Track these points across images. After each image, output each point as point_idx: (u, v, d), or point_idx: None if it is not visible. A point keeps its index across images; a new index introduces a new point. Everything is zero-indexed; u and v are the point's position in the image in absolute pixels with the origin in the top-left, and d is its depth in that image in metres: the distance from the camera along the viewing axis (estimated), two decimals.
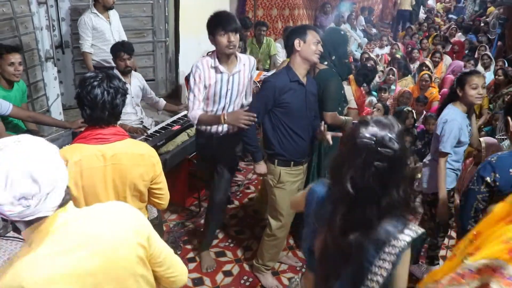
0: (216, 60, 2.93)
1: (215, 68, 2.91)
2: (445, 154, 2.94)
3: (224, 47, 2.83)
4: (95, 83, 1.85)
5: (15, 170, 1.09)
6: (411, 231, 1.42)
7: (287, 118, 2.81)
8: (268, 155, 2.95)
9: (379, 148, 1.35)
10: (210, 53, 3.04)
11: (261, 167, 2.95)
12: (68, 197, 1.24)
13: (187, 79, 5.07)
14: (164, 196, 2.20)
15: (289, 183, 2.95)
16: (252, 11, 7.36)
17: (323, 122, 2.91)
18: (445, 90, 5.88)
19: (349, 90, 4.24)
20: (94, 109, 1.87)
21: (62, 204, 1.21)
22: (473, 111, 3.04)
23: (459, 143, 2.96)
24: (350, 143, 1.42)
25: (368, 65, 5.58)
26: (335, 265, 1.49)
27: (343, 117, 3.24)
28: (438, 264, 3.45)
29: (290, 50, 2.82)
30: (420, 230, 1.44)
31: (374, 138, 1.36)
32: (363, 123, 1.41)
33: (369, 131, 1.37)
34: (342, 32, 3.50)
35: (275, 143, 2.87)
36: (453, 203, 3.20)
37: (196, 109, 2.88)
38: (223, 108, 2.98)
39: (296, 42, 2.74)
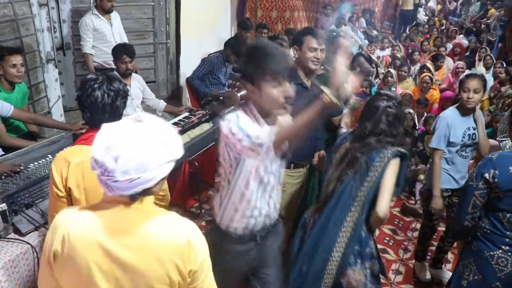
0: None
1: None
2: (436, 150, 3.04)
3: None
4: (96, 85, 1.85)
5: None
6: (399, 148, 2.24)
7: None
8: None
9: (388, 108, 2.30)
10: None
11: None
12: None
13: (188, 81, 5.09)
14: (166, 197, 2.20)
15: (289, 185, 2.92)
16: (253, 12, 7.36)
17: (321, 152, 2.95)
18: (447, 92, 5.88)
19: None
20: (94, 111, 1.87)
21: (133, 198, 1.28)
22: (478, 115, 3.04)
23: (449, 143, 3.01)
24: (371, 105, 2.34)
25: (365, 53, 5.53)
26: (343, 171, 2.31)
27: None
28: (441, 268, 3.44)
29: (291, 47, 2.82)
30: (405, 150, 2.27)
31: (386, 103, 2.31)
32: (380, 95, 2.40)
33: (383, 99, 2.33)
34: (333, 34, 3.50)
35: None
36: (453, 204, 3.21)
37: None
38: None
39: (293, 49, 2.73)
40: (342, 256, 2.22)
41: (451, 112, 3.04)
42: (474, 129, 3.03)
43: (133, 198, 1.28)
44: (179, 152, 1.30)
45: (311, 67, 2.71)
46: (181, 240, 1.29)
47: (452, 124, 2.98)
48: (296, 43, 2.71)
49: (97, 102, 1.85)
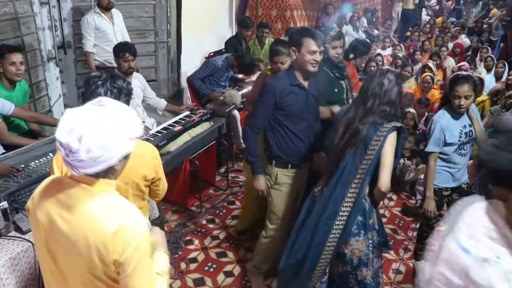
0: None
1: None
2: (430, 153, 3.07)
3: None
4: (99, 82, 1.87)
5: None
6: (396, 123, 2.32)
7: (288, 120, 2.77)
8: (266, 156, 2.92)
9: (389, 84, 2.35)
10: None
11: (259, 183, 2.88)
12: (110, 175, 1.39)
13: (189, 79, 5.09)
14: (161, 192, 2.25)
15: (286, 184, 2.92)
16: (253, 11, 7.35)
17: (320, 154, 2.97)
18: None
19: None
20: None
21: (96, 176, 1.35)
22: (471, 111, 3.04)
23: (447, 144, 3.03)
24: (373, 80, 2.37)
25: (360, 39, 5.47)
26: (344, 147, 2.39)
27: (329, 108, 3.11)
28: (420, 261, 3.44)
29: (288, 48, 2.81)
30: (401, 124, 2.35)
31: (388, 79, 2.35)
32: (382, 71, 2.42)
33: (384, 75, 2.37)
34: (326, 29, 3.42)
35: (273, 145, 2.84)
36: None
37: None
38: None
39: (291, 51, 2.70)
40: (344, 227, 2.36)
41: (444, 114, 3.03)
42: (470, 126, 3.03)
43: (98, 176, 1.35)
44: (138, 131, 1.37)
45: (310, 70, 2.69)
46: (109, 228, 1.30)
47: (447, 126, 2.99)
48: (294, 45, 2.67)
49: None
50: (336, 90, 3.24)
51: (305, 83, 2.78)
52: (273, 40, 6.65)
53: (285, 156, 2.85)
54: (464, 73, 3.11)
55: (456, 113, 3.01)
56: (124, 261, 1.32)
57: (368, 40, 9.72)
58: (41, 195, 1.42)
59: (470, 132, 3.04)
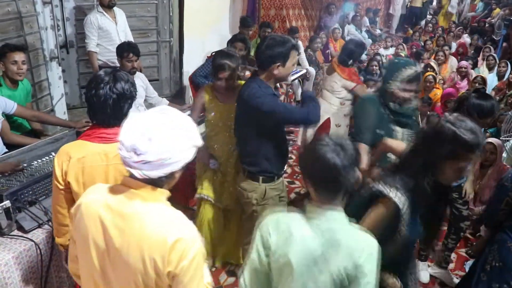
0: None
1: None
2: None
3: None
4: (101, 85, 1.85)
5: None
6: None
7: (274, 130, 2.63)
8: (249, 173, 2.75)
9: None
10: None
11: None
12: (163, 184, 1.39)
13: (191, 79, 5.08)
14: None
15: (272, 198, 2.79)
16: (257, 12, 7.35)
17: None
18: (448, 89, 5.86)
19: (337, 77, 4.15)
20: (98, 110, 1.89)
21: (154, 183, 1.36)
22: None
23: None
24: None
25: (355, 39, 5.41)
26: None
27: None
28: (446, 268, 3.43)
29: (266, 64, 2.50)
30: None
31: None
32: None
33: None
34: (399, 61, 2.76)
35: (261, 160, 2.67)
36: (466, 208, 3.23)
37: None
38: None
39: (275, 67, 2.47)
40: None
41: None
42: None
43: (158, 182, 1.36)
44: (199, 140, 1.39)
45: (288, 79, 2.67)
46: (167, 239, 1.29)
47: None
48: (279, 59, 2.46)
49: (100, 102, 1.86)
50: (383, 133, 2.61)
51: (275, 90, 2.65)
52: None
53: (275, 169, 2.71)
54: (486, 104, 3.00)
55: None
56: (180, 273, 1.31)
57: (361, 38, 9.78)
58: (92, 202, 1.40)
59: None
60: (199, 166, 3.21)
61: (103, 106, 1.86)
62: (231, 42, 4.93)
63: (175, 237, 1.30)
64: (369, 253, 1.51)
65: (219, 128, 3.03)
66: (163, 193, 1.39)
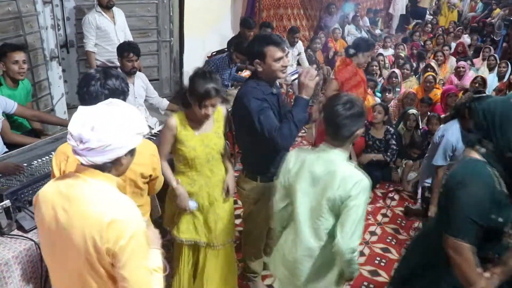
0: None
1: None
2: (439, 166, 3.12)
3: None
4: (92, 82, 1.89)
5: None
6: None
7: None
8: (247, 171, 2.76)
9: None
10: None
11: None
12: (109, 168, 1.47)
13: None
14: (156, 187, 2.28)
15: (269, 198, 2.63)
16: (257, 13, 7.36)
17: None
18: (450, 86, 5.87)
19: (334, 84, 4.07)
20: None
21: (101, 168, 1.45)
22: None
23: (452, 158, 3.09)
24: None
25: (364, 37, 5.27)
26: None
27: None
28: None
29: (249, 61, 2.59)
30: None
31: None
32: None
33: None
34: None
35: (260, 160, 2.66)
36: None
37: None
38: None
39: (257, 64, 2.49)
40: None
41: (456, 131, 3.00)
42: None
43: (104, 168, 1.44)
44: (145, 128, 1.50)
45: (280, 76, 2.52)
46: (103, 218, 1.37)
47: (457, 144, 3.00)
48: (256, 57, 2.46)
49: (92, 99, 1.87)
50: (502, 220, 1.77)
51: (274, 89, 2.61)
52: None
53: (273, 168, 2.61)
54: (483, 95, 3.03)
55: (467, 129, 2.99)
56: (118, 252, 1.37)
57: (372, 39, 9.77)
58: (47, 189, 1.50)
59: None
60: (169, 205, 2.76)
61: (95, 103, 1.86)
62: (234, 48, 4.92)
63: (111, 217, 1.37)
64: (360, 187, 1.92)
65: (195, 163, 2.58)
66: (110, 178, 1.47)
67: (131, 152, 1.49)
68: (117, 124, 1.39)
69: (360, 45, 4.11)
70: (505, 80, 6.33)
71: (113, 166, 1.46)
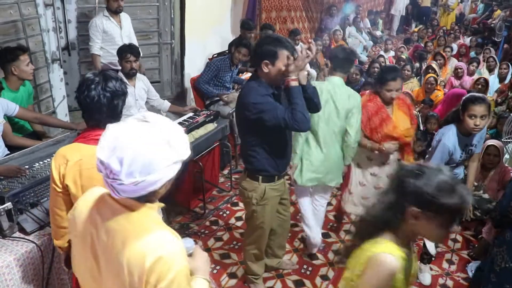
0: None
1: None
2: None
3: None
4: (92, 86, 1.86)
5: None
6: None
7: (271, 131, 2.54)
8: (249, 171, 2.76)
9: None
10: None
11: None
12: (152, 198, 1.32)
13: (195, 86, 5.09)
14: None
15: (272, 198, 2.80)
16: (258, 15, 7.37)
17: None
18: (455, 89, 5.86)
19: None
20: (92, 111, 1.90)
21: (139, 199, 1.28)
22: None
23: (447, 162, 3.03)
24: None
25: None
26: None
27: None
28: (427, 263, 3.45)
29: (256, 61, 2.54)
30: None
31: None
32: None
33: None
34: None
35: (259, 159, 2.66)
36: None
37: None
38: None
39: (264, 64, 2.46)
40: None
41: (453, 136, 2.93)
42: (471, 145, 3.01)
43: (139, 199, 1.28)
44: (186, 153, 1.27)
45: (278, 80, 2.50)
46: (145, 261, 1.22)
47: (454, 149, 2.94)
48: (266, 57, 2.44)
49: (93, 102, 1.86)
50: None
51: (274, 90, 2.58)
52: None
53: (272, 169, 2.69)
54: (479, 94, 3.01)
55: (464, 134, 2.93)
56: None
57: (362, 40, 9.77)
58: (82, 210, 1.38)
59: (470, 151, 3.03)
60: None
61: (98, 106, 1.87)
62: (235, 46, 4.94)
63: (152, 259, 1.22)
64: (358, 102, 3.09)
65: None
66: (152, 208, 1.32)
67: (172, 179, 1.30)
68: (152, 155, 1.18)
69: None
70: (506, 81, 6.33)
71: (149, 198, 1.30)
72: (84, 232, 1.35)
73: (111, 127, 1.22)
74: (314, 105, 2.68)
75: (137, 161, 1.17)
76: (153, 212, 1.32)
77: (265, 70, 2.47)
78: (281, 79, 2.48)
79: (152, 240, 1.26)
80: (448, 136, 2.93)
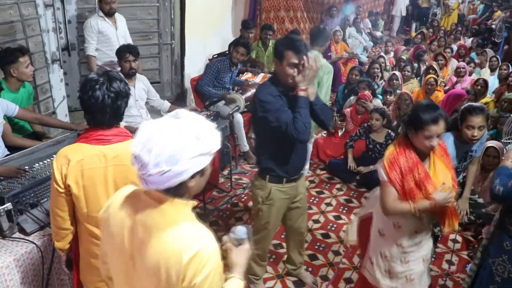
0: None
1: None
2: None
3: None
4: (96, 86, 1.86)
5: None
6: None
7: (278, 133, 2.49)
8: (259, 169, 2.79)
9: None
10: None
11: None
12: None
13: (196, 88, 5.09)
14: None
15: (279, 199, 2.77)
16: (258, 15, 7.37)
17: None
18: (455, 90, 5.86)
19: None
20: (95, 112, 1.89)
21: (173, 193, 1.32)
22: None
23: None
24: None
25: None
26: None
27: None
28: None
29: (274, 60, 2.60)
30: None
31: None
32: None
33: None
34: None
35: (267, 158, 2.68)
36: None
37: None
38: None
39: (275, 62, 2.54)
40: None
41: (450, 146, 2.88)
42: (471, 151, 2.99)
43: (168, 192, 1.31)
44: (215, 146, 1.31)
45: (288, 82, 2.49)
46: (183, 256, 1.25)
47: (450, 153, 2.92)
48: (277, 55, 2.50)
49: (97, 103, 1.86)
50: None
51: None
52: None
53: (280, 170, 2.69)
54: (477, 104, 2.99)
55: (463, 141, 2.89)
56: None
57: (362, 41, 9.79)
58: (115, 207, 1.41)
59: (470, 156, 3.01)
60: None
61: (101, 106, 1.87)
62: (233, 45, 4.94)
63: (189, 255, 1.25)
64: (329, 69, 3.84)
65: None
66: (185, 204, 1.34)
67: (201, 172, 1.32)
68: (179, 146, 1.23)
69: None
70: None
71: (179, 192, 1.32)
72: (119, 230, 1.38)
73: (145, 124, 1.29)
74: (321, 122, 2.71)
75: (164, 151, 1.21)
76: (186, 208, 1.35)
77: (276, 68, 2.56)
78: (291, 84, 2.48)
79: (188, 236, 1.29)
80: (447, 144, 2.91)
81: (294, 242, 3.21)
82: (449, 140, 2.91)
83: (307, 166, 4.35)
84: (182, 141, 1.23)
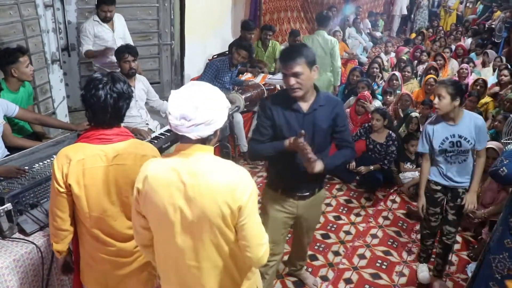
0: None
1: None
2: (422, 153, 3.19)
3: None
4: (100, 85, 1.87)
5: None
6: None
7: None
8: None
9: None
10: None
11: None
12: (213, 140, 1.67)
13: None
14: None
15: (272, 209, 2.66)
16: (267, 15, 7.38)
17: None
18: None
19: None
20: (97, 111, 1.90)
21: (204, 141, 1.62)
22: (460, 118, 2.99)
23: (432, 148, 3.09)
24: None
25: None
26: None
27: None
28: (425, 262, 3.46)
29: None
30: None
31: None
32: None
33: None
34: None
35: (270, 165, 2.71)
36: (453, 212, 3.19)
37: None
38: None
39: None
40: None
41: (434, 119, 3.10)
42: (460, 137, 2.99)
43: (207, 140, 1.62)
44: (228, 103, 1.65)
45: (289, 92, 2.36)
46: (231, 183, 1.57)
47: (433, 131, 3.05)
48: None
49: (99, 102, 1.87)
50: None
51: (305, 106, 2.41)
52: (276, 42, 6.69)
53: (275, 178, 2.64)
54: (444, 78, 3.18)
55: (443, 120, 3.03)
56: (243, 205, 1.59)
57: (362, 41, 9.79)
58: (156, 172, 1.63)
59: (458, 143, 3.00)
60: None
61: (103, 106, 1.88)
62: (235, 47, 4.93)
63: (235, 181, 1.58)
64: (335, 42, 5.23)
65: None
66: (210, 149, 1.65)
67: (221, 128, 1.65)
68: (213, 101, 1.56)
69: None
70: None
71: (213, 138, 1.65)
72: (165, 189, 1.60)
73: (174, 92, 1.58)
74: (346, 163, 2.75)
75: (207, 105, 1.53)
76: (211, 151, 1.66)
77: None
78: (291, 93, 2.36)
79: (228, 170, 1.62)
80: (431, 120, 3.07)
81: (296, 247, 3.20)
82: (434, 120, 3.10)
83: None
84: (214, 97, 1.57)
